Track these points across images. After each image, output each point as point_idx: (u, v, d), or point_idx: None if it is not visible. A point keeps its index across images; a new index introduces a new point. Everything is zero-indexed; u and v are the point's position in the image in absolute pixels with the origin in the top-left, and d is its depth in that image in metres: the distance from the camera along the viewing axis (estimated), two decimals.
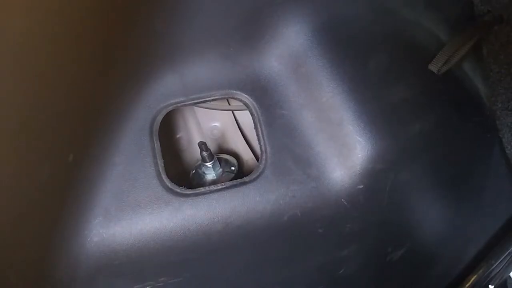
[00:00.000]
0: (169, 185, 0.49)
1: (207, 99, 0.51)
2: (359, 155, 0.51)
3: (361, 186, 0.52)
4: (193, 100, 0.51)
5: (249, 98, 0.52)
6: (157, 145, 0.50)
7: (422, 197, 0.58)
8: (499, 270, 0.66)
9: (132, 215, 0.48)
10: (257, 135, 0.52)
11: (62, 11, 0.39)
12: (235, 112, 0.66)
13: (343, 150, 0.51)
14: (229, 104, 0.64)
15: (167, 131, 0.62)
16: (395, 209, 0.56)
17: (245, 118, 0.66)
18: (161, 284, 0.50)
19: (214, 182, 0.57)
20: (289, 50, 0.51)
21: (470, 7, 0.59)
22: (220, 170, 0.58)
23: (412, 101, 0.55)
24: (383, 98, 0.52)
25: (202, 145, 0.54)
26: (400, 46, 0.56)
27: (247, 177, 0.51)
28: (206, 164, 0.56)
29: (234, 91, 0.51)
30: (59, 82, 0.42)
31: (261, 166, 0.51)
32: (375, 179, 0.52)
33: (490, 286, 0.66)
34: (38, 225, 0.45)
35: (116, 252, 0.48)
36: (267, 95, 0.52)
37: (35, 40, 0.38)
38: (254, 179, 0.51)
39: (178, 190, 0.49)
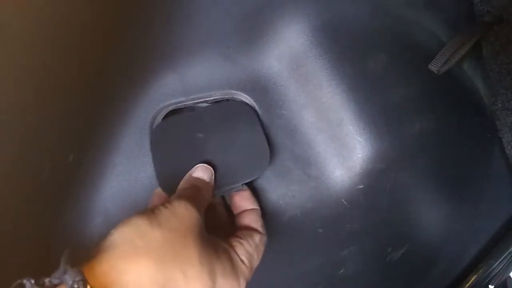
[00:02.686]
0: None
1: (207, 99, 0.51)
2: (359, 155, 0.51)
3: (361, 186, 0.52)
4: (193, 100, 0.51)
5: (249, 98, 0.52)
6: None
7: (422, 197, 0.58)
8: (499, 270, 0.66)
9: (132, 215, 0.48)
10: None
11: (61, 12, 0.39)
12: None
13: (343, 150, 0.51)
14: None
15: None
16: (395, 209, 0.56)
17: None
18: None
19: None
20: (289, 50, 0.51)
21: (470, 7, 0.59)
22: None
23: (412, 101, 0.55)
24: (383, 98, 0.52)
25: None
26: (400, 46, 0.56)
27: None
28: None
29: (234, 91, 0.51)
30: (59, 82, 0.42)
31: None
32: (375, 179, 0.52)
33: (490, 286, 0.66)
34: (37, 225, 0.45)
35: None
36: (267, 95, 0.52)
37: (34, 39, 0.38)
38: (254, 179, 0.51)
39: None
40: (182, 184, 0.43)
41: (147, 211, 0.35)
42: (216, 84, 0.51)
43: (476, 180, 0.64)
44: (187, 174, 0.45)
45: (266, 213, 0.52)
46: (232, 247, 0.40)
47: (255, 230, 0.44)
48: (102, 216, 0.48)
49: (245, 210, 0.47)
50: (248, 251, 0.40)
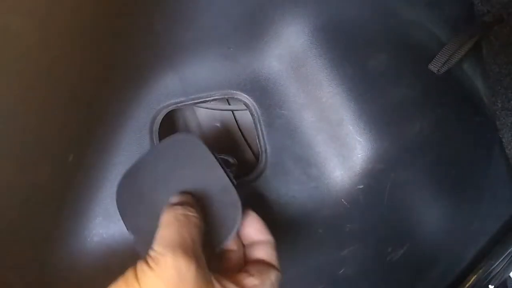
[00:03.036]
0: None
1: (207, 99, 0.51)
2: (359, 155, 0.51)
3: (361, 186, 0.52)
4: (193, 100, 0.51)
5: (249, 98, 0.52)
6: None
7: (422, 197, 0.58)
8: (499, 270, 0.66)
9: None
10: (257, 135, 0.52)
11: (62, 14, 0.39)
12: (235, 112, 0.66)
13: (343, 150, 0.51)
14: (229, 104, 0.64)
15: (167, 131, 0.62)
16: (395, 209, 0.56)
17: (245, 118, 0.66)
18: None
19: None
20: (289, 50, 0.51)
21: (470, 7, 0.59)
22: None
23: (412, 101, 0.55)
24: (383, 98, 0.52)
25: None
26: (400, 46, 0.56)
27: (247, 177, 0.51)
28: None
29: (234, 91, 0.51)
30: (59, 82, 0.42)
31: (261, 166, 0.51)
32: (375, 179, 0.52)
33: (490, 286, 0.66)
34: (37, 225, 0.45)
35: (116, 252, 0.48)
36: (267, 95, 0.52)
37: (34, 39, 0.38)
38: (254, 179, 0.51)
39: None
40: (163, 220, 0.36)
41: (131, 282, 0.31)
42: (216, 84, 0.51)
43: (476, 180, 0.64)
44: (164, 209, 0.37)
45: (265, 213, 0.51)
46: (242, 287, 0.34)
47: (271, 265, 0.38)
48: (102, 216, 0.48)
49: (257, 242, 0.41)
50: None
